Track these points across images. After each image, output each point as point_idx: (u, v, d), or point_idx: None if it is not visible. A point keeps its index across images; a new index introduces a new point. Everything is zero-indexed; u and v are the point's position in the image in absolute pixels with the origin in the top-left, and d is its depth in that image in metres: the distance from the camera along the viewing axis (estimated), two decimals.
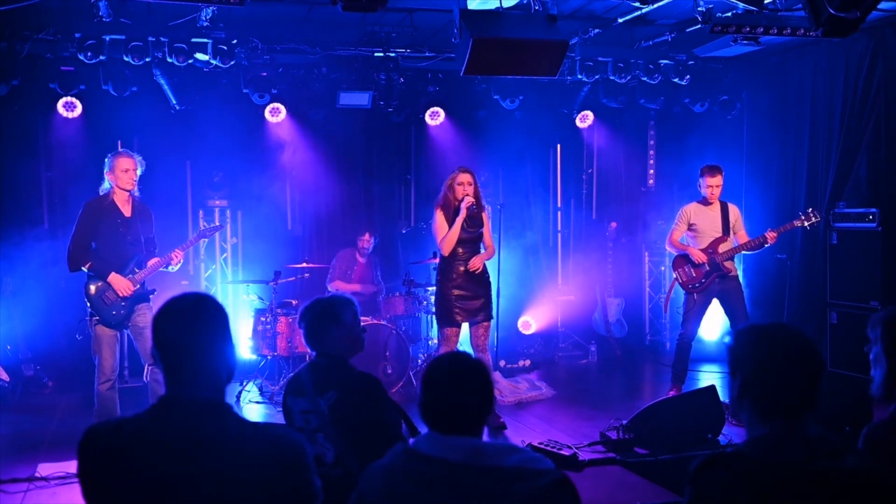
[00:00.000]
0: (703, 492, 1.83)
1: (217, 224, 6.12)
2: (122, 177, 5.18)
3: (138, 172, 5.26)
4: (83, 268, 5.16)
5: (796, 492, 1.77)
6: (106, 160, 5.27)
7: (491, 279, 5.99)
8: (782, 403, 1.87)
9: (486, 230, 5.95)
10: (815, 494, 1.77)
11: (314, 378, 3.10)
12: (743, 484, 1.79)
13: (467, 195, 5.72)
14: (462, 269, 5.79)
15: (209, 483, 1.79)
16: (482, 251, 5.91)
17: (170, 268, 5.43)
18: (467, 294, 5.78)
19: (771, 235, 6.06)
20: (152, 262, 5.32)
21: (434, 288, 6.07)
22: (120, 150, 5.36)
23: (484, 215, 5.95)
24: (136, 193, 5.35)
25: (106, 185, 5.27)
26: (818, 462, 1.80)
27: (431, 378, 2.12)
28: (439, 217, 5.83)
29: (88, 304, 5.19)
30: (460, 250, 5.80)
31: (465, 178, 5.79)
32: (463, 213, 5.69)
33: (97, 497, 1.85)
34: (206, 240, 6.03)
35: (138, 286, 5.25)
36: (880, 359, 2.31)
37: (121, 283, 5.15)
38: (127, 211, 5.27)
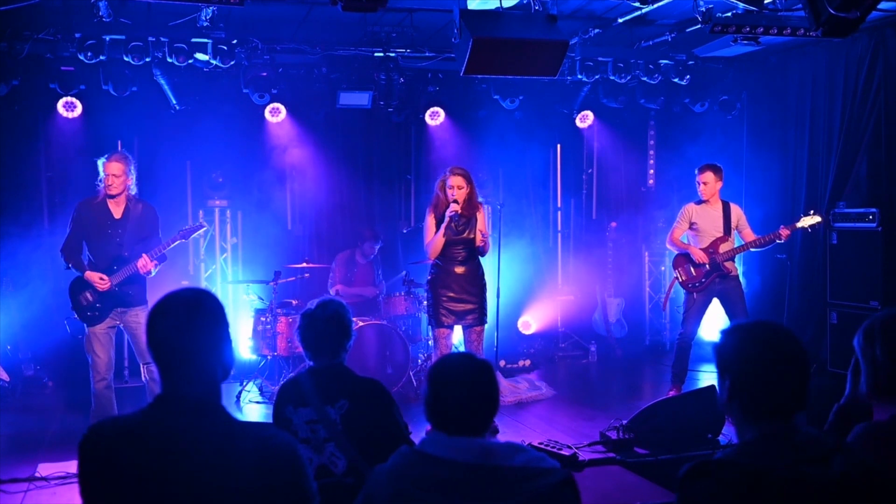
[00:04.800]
0: (690, 499, 1.82)
1: (201, 223, 5.83)
2: (106, 179, 5.24)
3: (132, 175, 5.29)
4: (69, 265, 5.28)
5: (783, 499, 1.76)
6: (99, 163, 5.32)
7: (486, 283, 5.88)
8: (773, 404, 1.86)
9: (482, 227, 5.77)
10: (802, 501, 1.76)
11: (318, 387, 3.05)
12: (729, 492, 1.77)
13: (454, 201, 5.59)
14: (454, 270, 5.72)
15: (200, 483, 1.78)
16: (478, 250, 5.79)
17: (151, 274, 5.32)
18: (455, 296, 5.71)
19: (785, 232, 6.06)
20: (128, 266, 5.25)
21: None
22: (112, 153, 5.34)
23: (480, 215, 5.79)
24: (133, 192, 5.37)
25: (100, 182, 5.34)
26: (806, 467, 1.78)
27: (439, 378, 2.11)
28: (430, 220, 5.76)
29: (71, 303, 5.30)
30: (451, 251, 5.73)
31: (455, 181, 5.64)
32: (447, 222, 5.60)
33: (94, 496, 1.84)
34: (185, 240, 5.65)
35: (115, 287, 5.22)
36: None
37: (92, 277, 5.19)
38: (118, 212, 5.31)
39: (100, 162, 5.29)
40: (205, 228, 5.81)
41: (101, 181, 5.28)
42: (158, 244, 5.36)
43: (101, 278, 5.18)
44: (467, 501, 1.94)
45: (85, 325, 5.28)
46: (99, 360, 5.20)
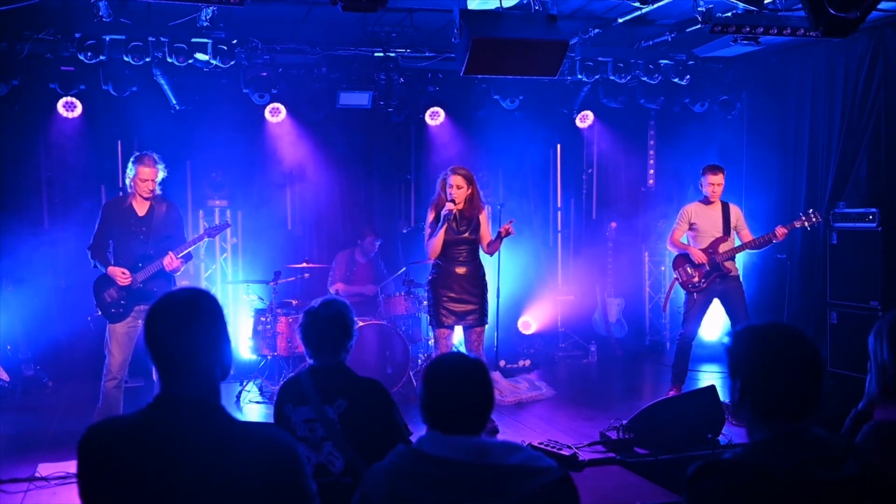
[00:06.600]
0: (698, 499, 1.81)
1: (227, 221, 6.20)
2: (140, 185, 5.30)
3: (159, 178, 5.34)
4: (95, 263, 5.35)
5: (792, 501, 1.76)
6: (129, 163, 5.36)
7: (487, 284, 5.89)
8: (784, 405, 1.85)
9: (485, 229, 5.80)
10: (811, 503, 1.76)
11: (317, 385, 3.06)
12: (738, 492, 1.77)
13: (451, 201, 5.58)
14: (455, 270, 5.72)
15: (200, 484, 1.77)
16: (481, 250, 5.80)
17: (179, 271, 5.40)
18: (455, 296, 5.72)
19: (781, 231, 6.05)
20: (153, 264, 5.32)
21: None
22: (142, 155, 5.35)
23: (482, 216, 5.81)
24: (158, 191, 5.43)
25: (129, 183, 5.39)
26: (817, 469, 1.78)
27: (432, 377, 2.12)
28: (431, 218, 5.77)
29: (95, 301, 5.35)
30: (452, 251, 5.73)
31: (455, 180, 5.62)
32: (441, 221, 5.60)
33: (93, 496, 1.83)
34: (212, 238, 5.99)
35: (139, 284, 5.29)
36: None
37: (115, 272, 5.25)
38: (141, 210, 5.38)
39: (131, 165, 5.32)
40: (229, 227, 6.09)
41: (131, 184, 5.30)
42: (183, 242, 5.44)
43: (123, 273, 5.25)
44: (463, 500, 1.94)
45: (107, 322, 5.34)
46: (113, 359, 5.26)
